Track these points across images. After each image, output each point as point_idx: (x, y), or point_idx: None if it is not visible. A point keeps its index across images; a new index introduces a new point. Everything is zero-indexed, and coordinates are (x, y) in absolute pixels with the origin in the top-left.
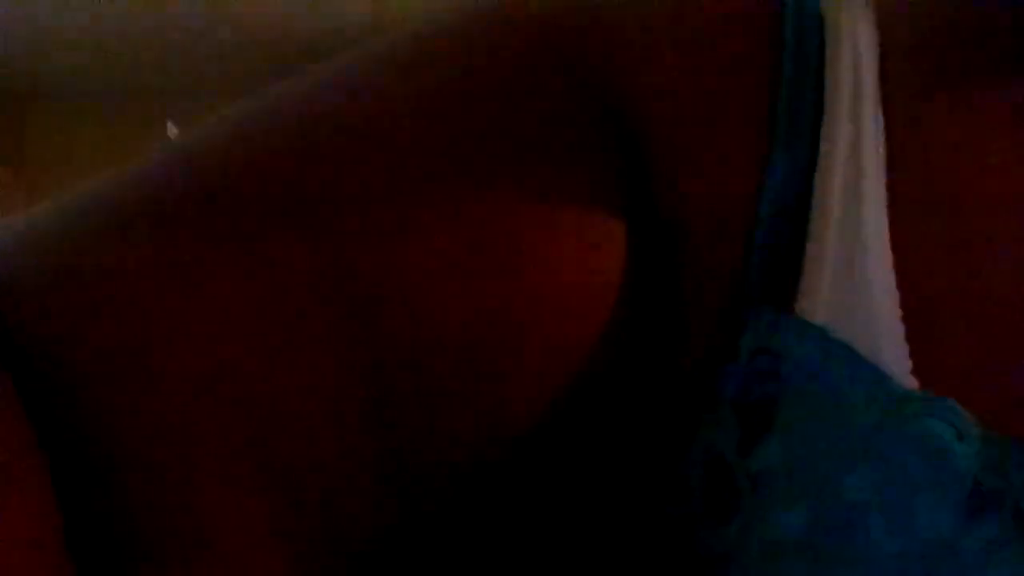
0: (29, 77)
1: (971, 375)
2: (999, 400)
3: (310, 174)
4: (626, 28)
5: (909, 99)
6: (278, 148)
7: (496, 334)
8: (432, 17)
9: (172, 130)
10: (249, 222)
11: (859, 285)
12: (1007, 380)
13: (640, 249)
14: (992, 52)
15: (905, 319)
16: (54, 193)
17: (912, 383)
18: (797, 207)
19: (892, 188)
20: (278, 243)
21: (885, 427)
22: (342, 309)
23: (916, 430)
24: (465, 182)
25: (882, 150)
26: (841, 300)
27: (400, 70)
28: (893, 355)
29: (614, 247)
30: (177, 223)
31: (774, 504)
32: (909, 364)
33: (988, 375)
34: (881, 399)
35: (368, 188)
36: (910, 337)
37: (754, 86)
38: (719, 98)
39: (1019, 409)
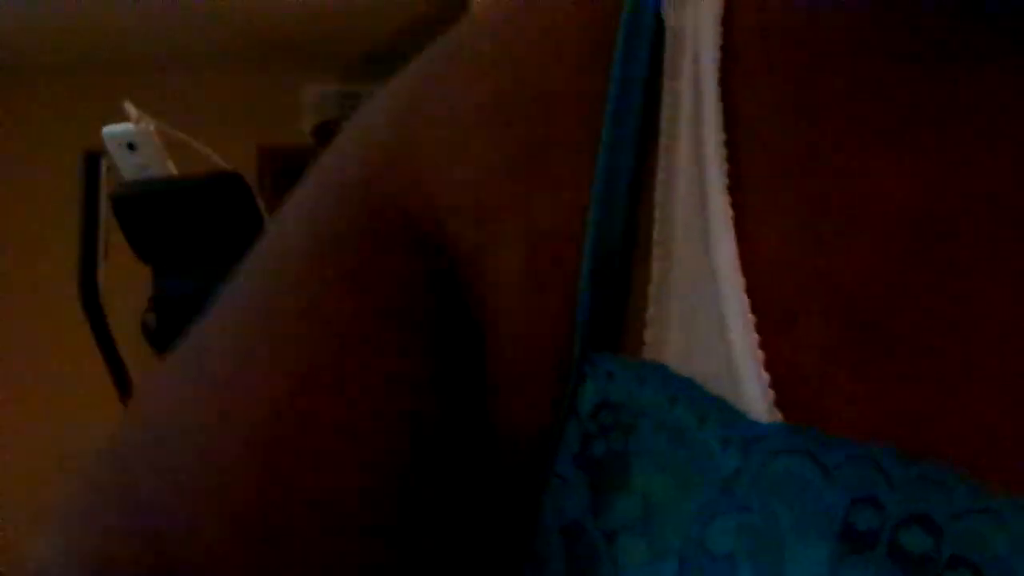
0: None
1: (840, 396)
2: (871, 416)
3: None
4: (436, 142)
5: (755, 112)
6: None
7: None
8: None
9: (130, 109)
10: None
11: (711, 311)
12: (878, 396)
13: (455, 343)
14: (839, 54)
15: (763, 345)
16: None
17: (775, 416)
18: (624, 242)
19: (739, 205)
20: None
21: (743, 472)
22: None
23: (776, 472)
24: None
25: (725, 166)
26: (693, 331)
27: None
28: (753, 386)
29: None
30: None
31: (638, 562)
32: (771, 395)
33: (858, 394)
34: (736, 440)
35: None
36: (769, 365)
37: (575, 122)
38: (528, 163)
39: (893, 422)
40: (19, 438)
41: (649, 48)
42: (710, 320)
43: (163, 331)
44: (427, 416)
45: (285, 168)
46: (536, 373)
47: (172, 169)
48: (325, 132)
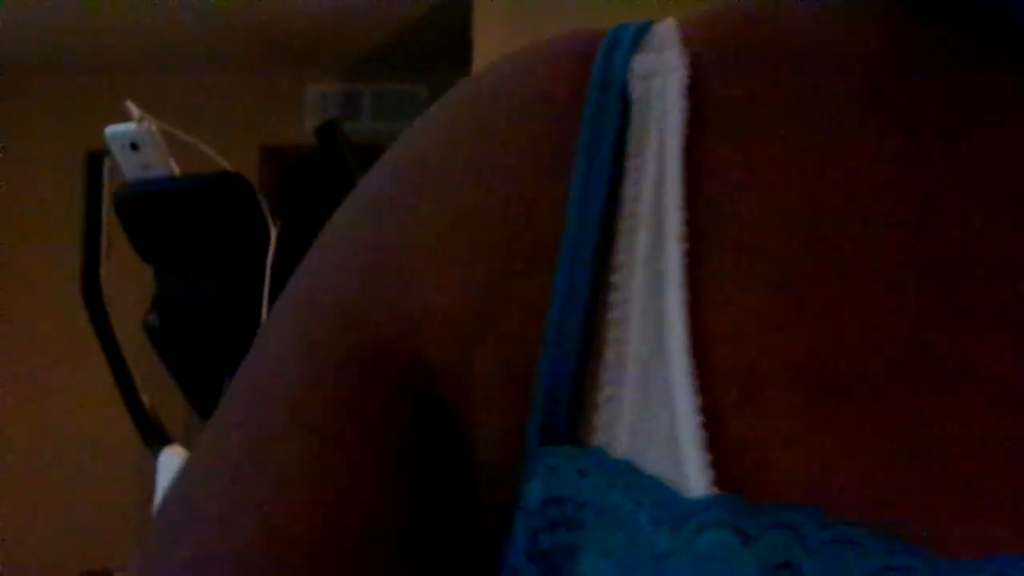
0: None
1: (784, 471)
2: (810, 491)
3: None
4: (410, 266)
5: (718, 189)
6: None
7: None
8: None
9: (132, 109)
10: None
11: (660, 391)
12: (823, 472)
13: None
14: (803, 119)
15: (708, 425)
16: None
17: (712, 490)
18: (584, 334)
19: (697, 285)
20: None
21: (674, 552)
22: None
23: (701, 547)
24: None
25: (685, 246)
26: (644, 411)
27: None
28: (694, 465)
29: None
30: None
31: None
32: (711, 474)
33: (800, 469)
34: (666, 520)
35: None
36: (712, 443)
37: (541, 224)
38: (499, 277)
39: (835, 495)
40: (20, 438)
41: (615, 128)
42: (659, 399)
43: (166, 331)
44: (416, 526)
45: (287, 168)
46: (505, 475)
47: (175, 169)
48: (327, 132)
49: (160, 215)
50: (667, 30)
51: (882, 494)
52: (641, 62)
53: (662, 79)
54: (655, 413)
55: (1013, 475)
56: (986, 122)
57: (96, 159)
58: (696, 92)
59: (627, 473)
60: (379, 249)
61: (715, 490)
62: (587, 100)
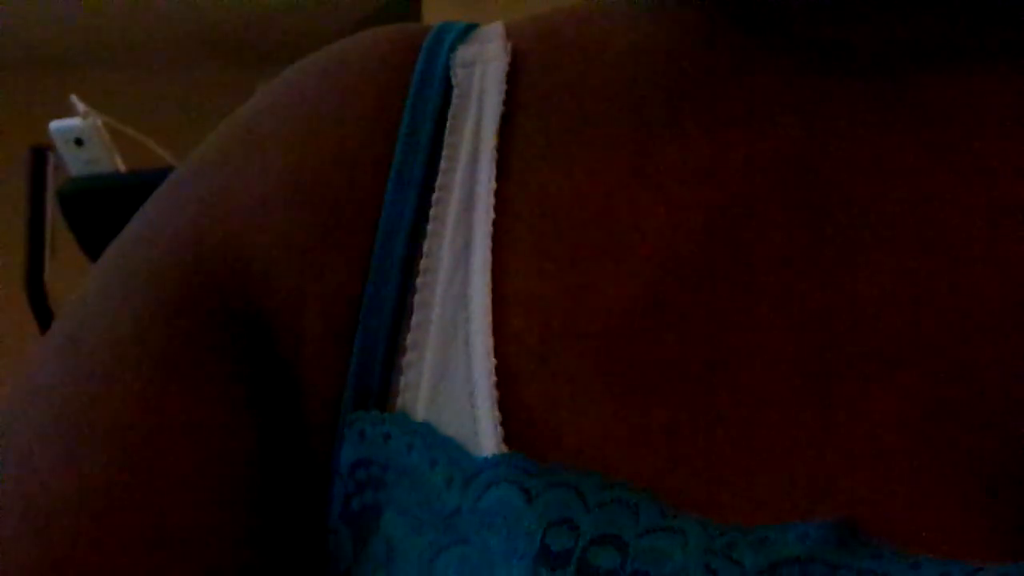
0: None
1: (570, 433)
2: (592, 452)
3: None
4: (242, 217)
5: (531, 153)
6: None
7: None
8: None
9: (77, 104)
10: None
11: (460, 353)
12: (607, 435)
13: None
14: (605, 107)
15: (501, 385)
16: None
17: (504, 451)
18: (397, 300)
19: (501, 252)
20: None
21: (463, 508)
22: None
23: (488, 503)
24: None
25: (493, 216)
26: (444, 374)
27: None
28: (486, 424)
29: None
30: None
31: None
32: (501, 432)
33: (586, 431)
34: (457, 479)
35: None
36: (503, 403)
37: (364, 187)
38: (322, 233)
39: (615, 456)
40: None
41: (436, 109)
42: (458, 361)
43: None
44: (252, 487)
45: None
46: (330, 438)
47: (120, 165)
48: None
49: (106, 212)
50: (492, 28)
51: (661, 460)
52: (464, 52)
53: (483, 67)
54: (453, 375)
55: (792, 449)
56: (767, 115)
57: (40, 154)
58: (514, 79)
59: (426, 435)
60: (206, 203)
61: (505, 447)
62: (410, 83)
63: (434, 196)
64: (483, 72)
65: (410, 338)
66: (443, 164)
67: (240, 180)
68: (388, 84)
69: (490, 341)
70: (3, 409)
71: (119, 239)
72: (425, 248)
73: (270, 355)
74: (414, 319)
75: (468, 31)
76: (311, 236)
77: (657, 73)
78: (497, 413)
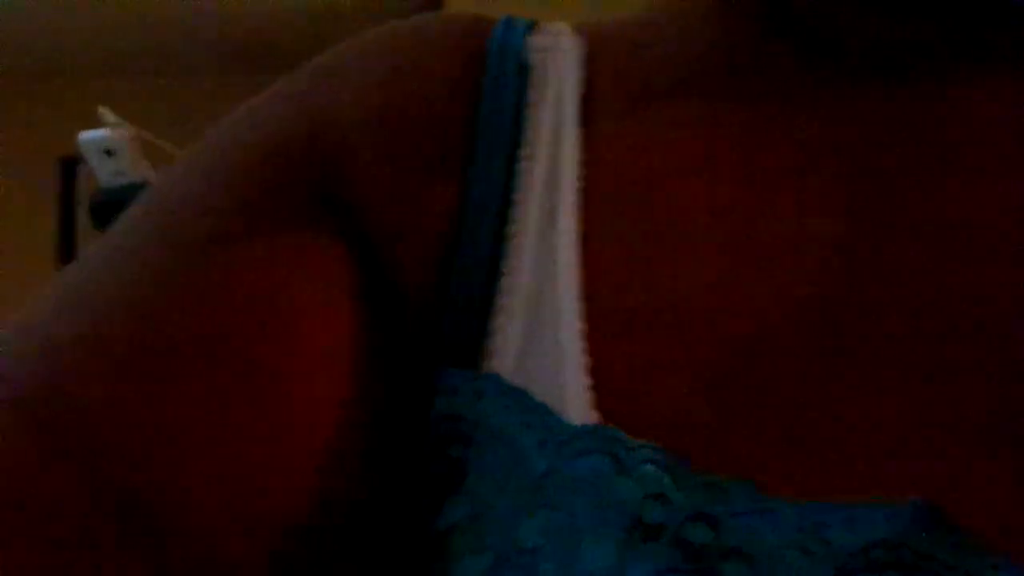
0: None
1: (659, 404)
2: (680, 426)
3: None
4: (347, 126)
5: (610, 132)
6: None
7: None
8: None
9: (106, 115)
10: None
11: (549, 319)
12: (692, 407)
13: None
14: (681, 94)
15: (590, 351)
16: None
17: (592, 418)
18: (491, 258)
19: (587, 220)
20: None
21: (552, 473)
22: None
23: (580, 471)
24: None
25: (579, 184)
26: (533, 338)
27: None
28: (576, 390)
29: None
30: None
31: (460, 556)
32: (591, 397)
33: (675, 404)
34: (550, 443)
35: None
36: (594, 370)
37: (450, 142)
38: (414, 170)
39: (702, 433)
40: None
41: (515, 89)
42: (547, 327)
43: None
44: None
45: None
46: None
47: (151, 175)
48: None
49: None
50: (558, 24)
51: (742, 440)
52: (537, 39)
53: (558, 53)
54: (540, 339)
55: (874, 431)
56: (790, 116)
57: (70, 165)
58: (589, 66)
59: (520, 398)
60: (300, 123)
61: (595, 413)
62: (487, 62)
63: (520, 165)
64: (558, 59)
65: (499, 301)
66: (528, 134)
67: (334, 107)
68: (468, 56)
69: (579, 306)
70: (74, 266)
71: (217, 128)
72: (512, 214)
73: (374, 265)
74: (503, 283)
75: (534, 23)
76: (412, 167)
77: (713, 66)
78: (587, 378)
